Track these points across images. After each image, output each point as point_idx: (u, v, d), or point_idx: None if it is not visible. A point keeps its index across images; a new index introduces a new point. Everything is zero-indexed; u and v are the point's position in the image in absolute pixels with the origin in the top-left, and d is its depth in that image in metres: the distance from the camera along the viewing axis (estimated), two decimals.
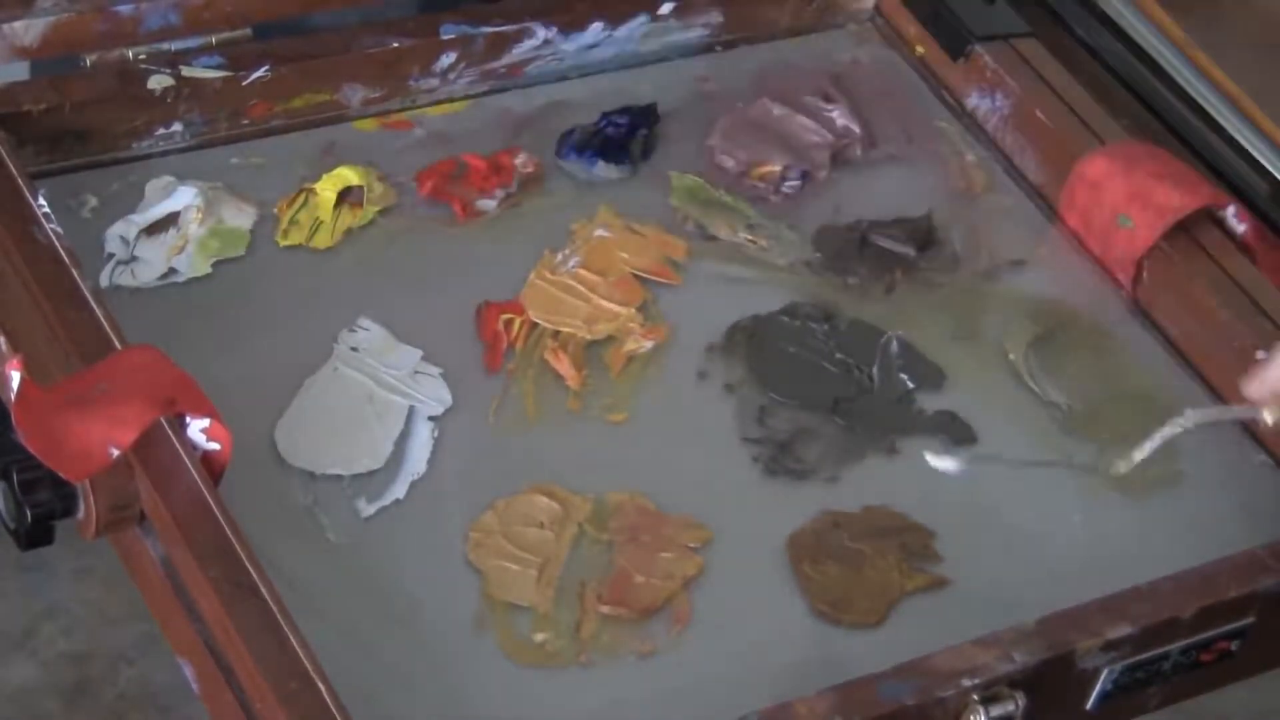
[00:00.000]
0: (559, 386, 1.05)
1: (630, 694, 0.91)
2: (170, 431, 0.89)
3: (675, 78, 1.24)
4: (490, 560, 0.95)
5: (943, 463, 0.98)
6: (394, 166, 1.14)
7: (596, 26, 1.22)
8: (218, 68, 1.12)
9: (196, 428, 0.90)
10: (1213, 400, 1.09)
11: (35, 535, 0.93)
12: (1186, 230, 1.12)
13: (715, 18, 1.26)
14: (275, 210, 1.10)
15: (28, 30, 1.09)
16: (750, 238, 1.15)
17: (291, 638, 0.83)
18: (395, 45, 1.16)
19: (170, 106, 1.11)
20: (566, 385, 1.04)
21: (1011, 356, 1.10)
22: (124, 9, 1.10)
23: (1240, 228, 1.13)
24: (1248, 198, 1.17)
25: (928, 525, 1.00)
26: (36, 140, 1.09)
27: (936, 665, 0.87)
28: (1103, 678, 0.91)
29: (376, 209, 1.12)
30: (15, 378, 0.85)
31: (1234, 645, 0.95)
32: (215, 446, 0.90)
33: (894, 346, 1.09)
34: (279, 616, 0.84)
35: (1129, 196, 1.13)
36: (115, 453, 0.87)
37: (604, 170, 1.16)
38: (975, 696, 0.87)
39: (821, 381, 1.07)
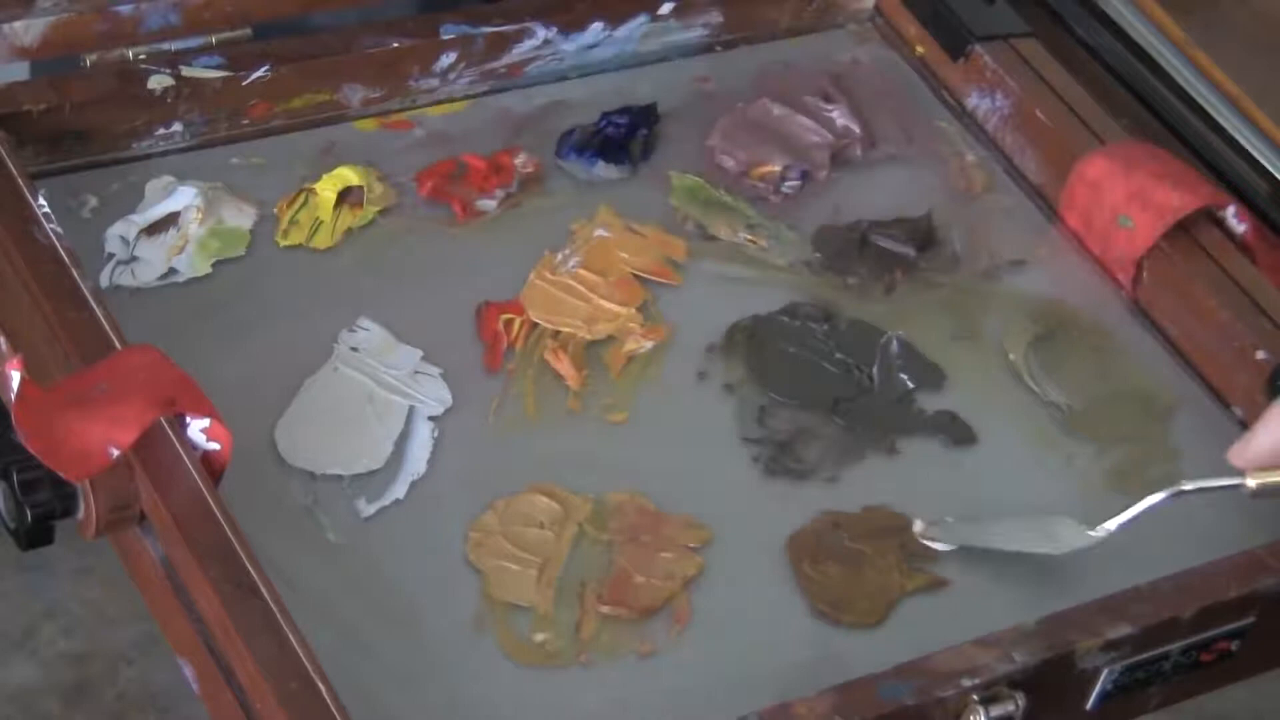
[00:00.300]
0: (559, 386, 1.05)
1: (630, 694, 0.91)
2: (170, 431, 0.89)
3: (675, 78, 1.24)
4: (490, 560, 0.95)
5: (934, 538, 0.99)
6: (394, 166, 1.14)
7: (596, 26, 1.22)
8: (218, 68, 1.12)
9: (196, 428, 0.90)
10: (1212, 400, 1.09)
11: (35, 535, 0.93)
12: (1186, 230, 1.12)
13: (715, 18, 1.26)
14: (275, 210, 1.11)
15: (28, 30, 1.09)
16: (750, 238, 1.15)
17: (291, 638, 0.83)
18: (395, 45, 1.16)
19: (170, 106, 1.11)
20: (566, 385, 1.05)
21: (1011, 356, 1.10)
22: (124, 9, 1.10)
23: (1240, 228, 1.13)
24: (1248, 198, 1.17)
25: None
26: (36, 140, 1.09)
27: (936, 665, 0.87)
28: (1103, 678, 0.91)
29: (376, 209, 1.12)
30: (15, 378, 0.85)
31: (1234, 645, 0.95)
32: (215, 446, 0.90)
33: (894, 346, 1.09)
34: (279, 616, 0.84)
35: (1129, 196, 1.13)
36: (115, 453, 0.87)
37: (604, 170, 1.16)
38: (975, 697, 0.87)
39: (821, 381, 1.07)
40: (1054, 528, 0.99)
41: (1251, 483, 0.96)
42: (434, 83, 1.19)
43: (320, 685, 0.82)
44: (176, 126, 1.12)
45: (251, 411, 0.98)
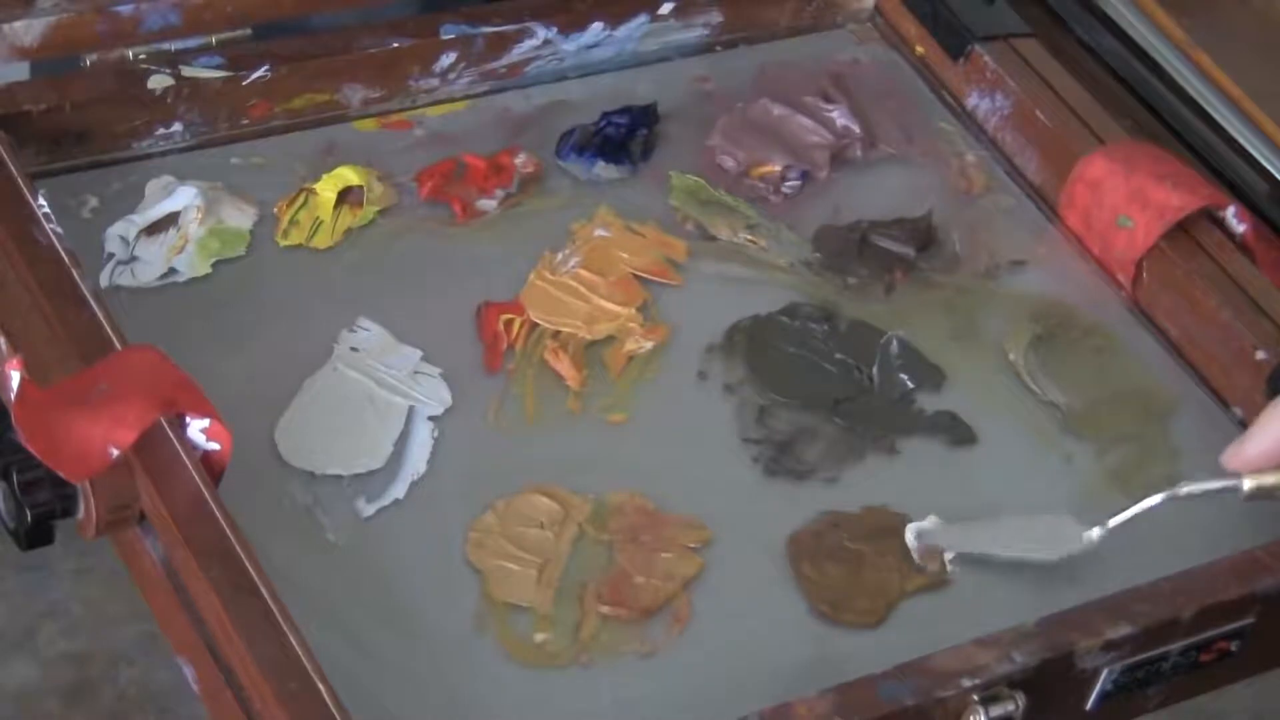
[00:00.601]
0: (559, 386, 1.05)
1: (630, 694, 0.91)
2: (170, 431, 0.89)
3: (675, 78, 1.24)
4: (490, 560, 0.95)
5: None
6: (394, 166, 1.14)
7: (596, 26, 1.22)
8: (218, 68, 1.12)
9: (196, 428, 0.90)
10: (1212, 400, 1.09)
11: (35, 535, 0.93)
12: (1186, 230, 1.12)
13: (715, 18, 1.26)
14: (275, 210, 1.11)
15: (28, 30, 1.09)
16: (750, 238, 1.15)
17: (291, 638, 0.83)
18: (395, 45, 1.16)
19: (170, 106, 1.11)
20: (566, 385, 1.05)
21: (1011, 356, 1.10)
22: (124, 9, 1.10)
23: (1240, 228, 1.13)
24: (1248, 198, 1.17)
25: None
26: (36, 140, 1.09)
27: (936, 665, 0.87)
28: (1103, 678, 0.91)
29: (376, 209, 1.12)
30: (15, 378, 0.85)
31: (1234, 645, 0.95)
32: (215, 446, 0.90)
33: (894, 347, 1.09)
34: (279, 616, 0.84)
35: (1129, 196, 1.13)
36: (115, 453, 0.87)
37: (604, 170, 1.16)
38: (975, 697, 0.87)
39: (822, 382, 1.07)
40: (1053, 528, 0.99)
41: (1246, 485, 0.96)
42: (434, 83, 1.19)
43: (320, 685, 0.82)
44: (176, 126, 1.12)
45: (251, 411, 0.98)
